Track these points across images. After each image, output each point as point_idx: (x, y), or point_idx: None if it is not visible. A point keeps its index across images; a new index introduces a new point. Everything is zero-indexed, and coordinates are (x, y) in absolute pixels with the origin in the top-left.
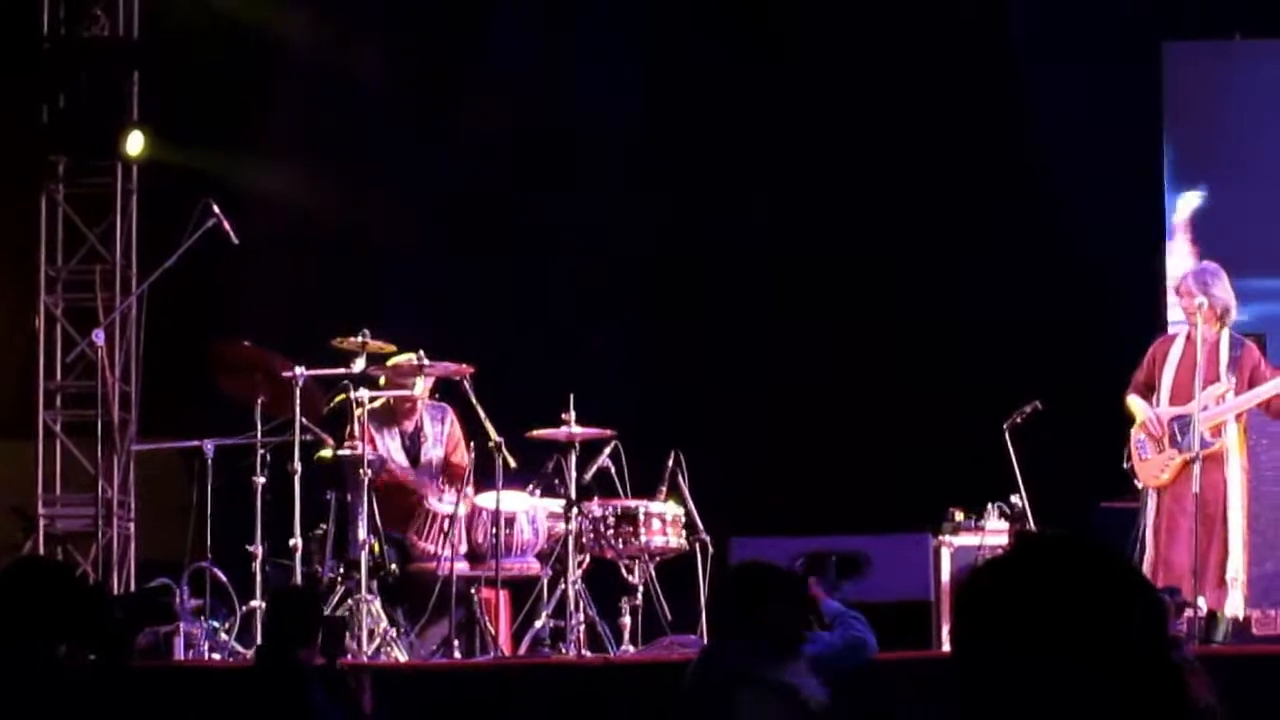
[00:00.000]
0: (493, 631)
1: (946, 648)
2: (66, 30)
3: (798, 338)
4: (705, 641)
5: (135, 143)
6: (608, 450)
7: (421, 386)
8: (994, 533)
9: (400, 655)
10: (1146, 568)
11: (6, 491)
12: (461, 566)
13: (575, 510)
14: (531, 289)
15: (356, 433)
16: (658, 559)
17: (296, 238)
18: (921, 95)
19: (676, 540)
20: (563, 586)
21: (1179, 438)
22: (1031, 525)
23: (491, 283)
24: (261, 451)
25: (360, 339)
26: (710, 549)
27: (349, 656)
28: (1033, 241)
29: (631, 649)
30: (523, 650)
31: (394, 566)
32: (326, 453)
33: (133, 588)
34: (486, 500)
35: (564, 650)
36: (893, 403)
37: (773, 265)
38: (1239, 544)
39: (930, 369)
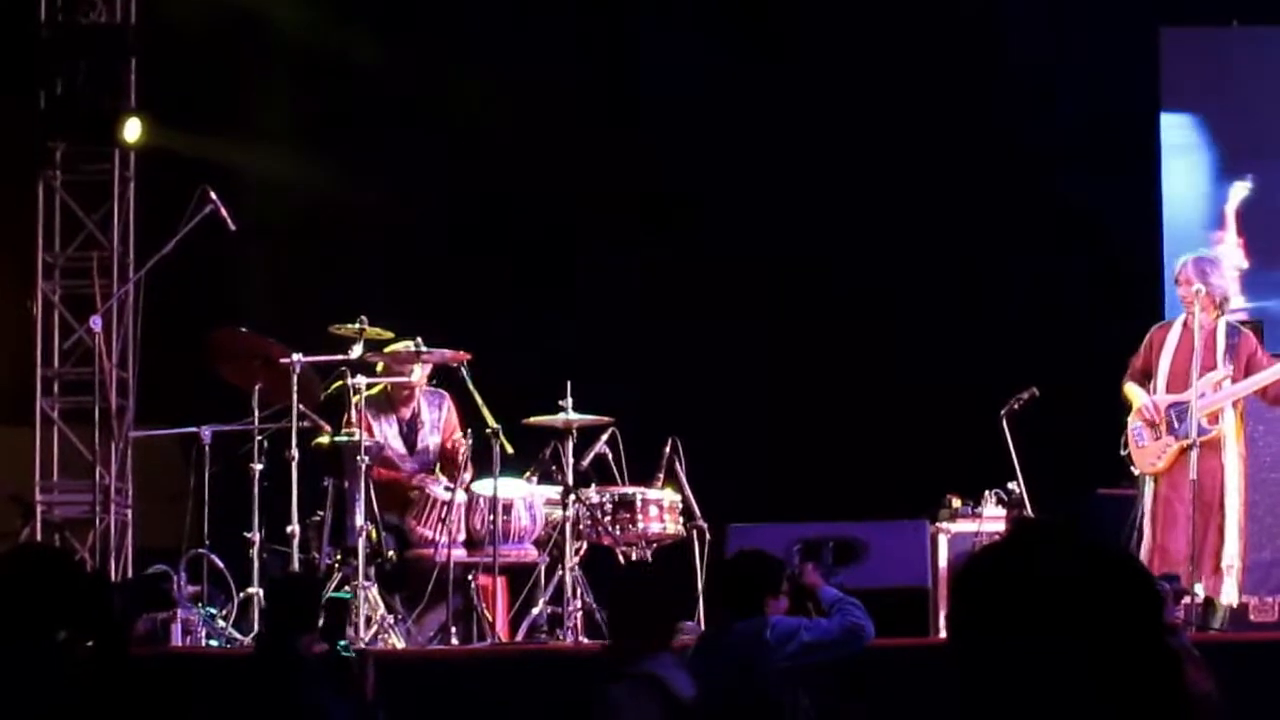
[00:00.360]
0: (490, 618)
1: (944, 634)
2: (64, 17)
3: (794, 325)
4: (702, 628)
5: (133, 129)
6: (605, 437)
7: (419, 373)
8: (991, 520)
9: (398, 642)
10: (1143, 555)
11: (4, 478)
12: (459, 553)
13: (573, 497)
14: (529, 276)
15: (354, 419)
16: (655, 546)
17: (294, 224)
18: (919, 92)
19: (674, 527)
20: (560, 573)
21: (1176, 424)
22: (1028, 512)
23: (489, 269)
24: (259, 438)
25: (358, 325)
26: (708, 535)
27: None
28: (1030, 229)
29: None
30: (520, 637)
31: (391, 553)
32: (324, 439)
33: (130, 574)
34: (484, 487)
35: (561, 637)
36: (890, 390)
37: (771, 255)
38: (1236, 531)
39: (927, 356)
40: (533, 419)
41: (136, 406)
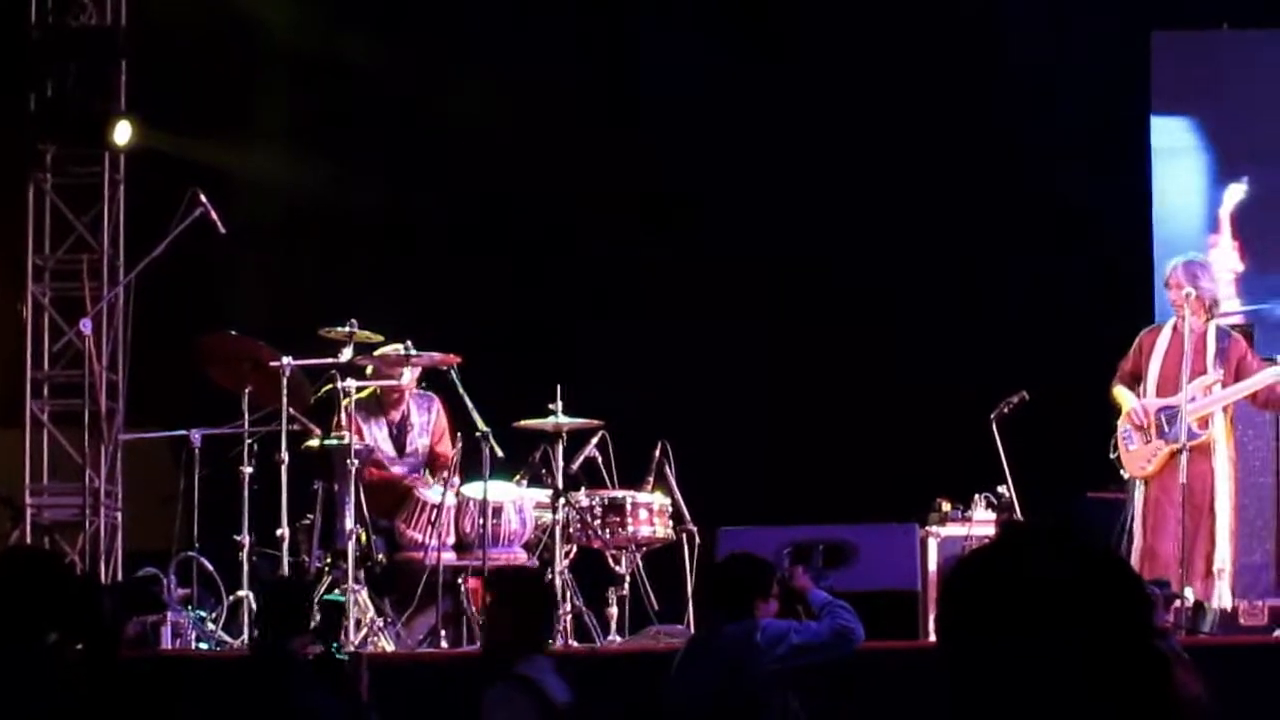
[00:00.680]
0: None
1: (933, 637)
2: (54, 19)
3: (785, 329)
4: (692, 631)
5: (123, 132)
6: (595, 440)
7: (409, 376)
8: (981, 523)
9: (387, 645)
10: (1133, 558)
11: None
12: (449, 556)
13: (562, 500)
14: (526, 277)
15: (343, 422)
16: (644, 549)
17: (284, 227)
18: (918, 92)
19: (663, 530)
20: (550, 576)
21: (1165, 428)
22: (1018, 515)
23: (479, 272)
24: (249, 441)
25: (347, 329)
26: (697, 539)
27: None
28: (1027, 230)
29: (618, 639)
30: None
31: (381, 556)
32: (314, 442)
33: (120, 577)
34: (474, 490)
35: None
36: (880, 393)
37: (763, 259)
38: (1226, 535)
39: (916, 360)
40: (522, 422)
41: (126, 409)
